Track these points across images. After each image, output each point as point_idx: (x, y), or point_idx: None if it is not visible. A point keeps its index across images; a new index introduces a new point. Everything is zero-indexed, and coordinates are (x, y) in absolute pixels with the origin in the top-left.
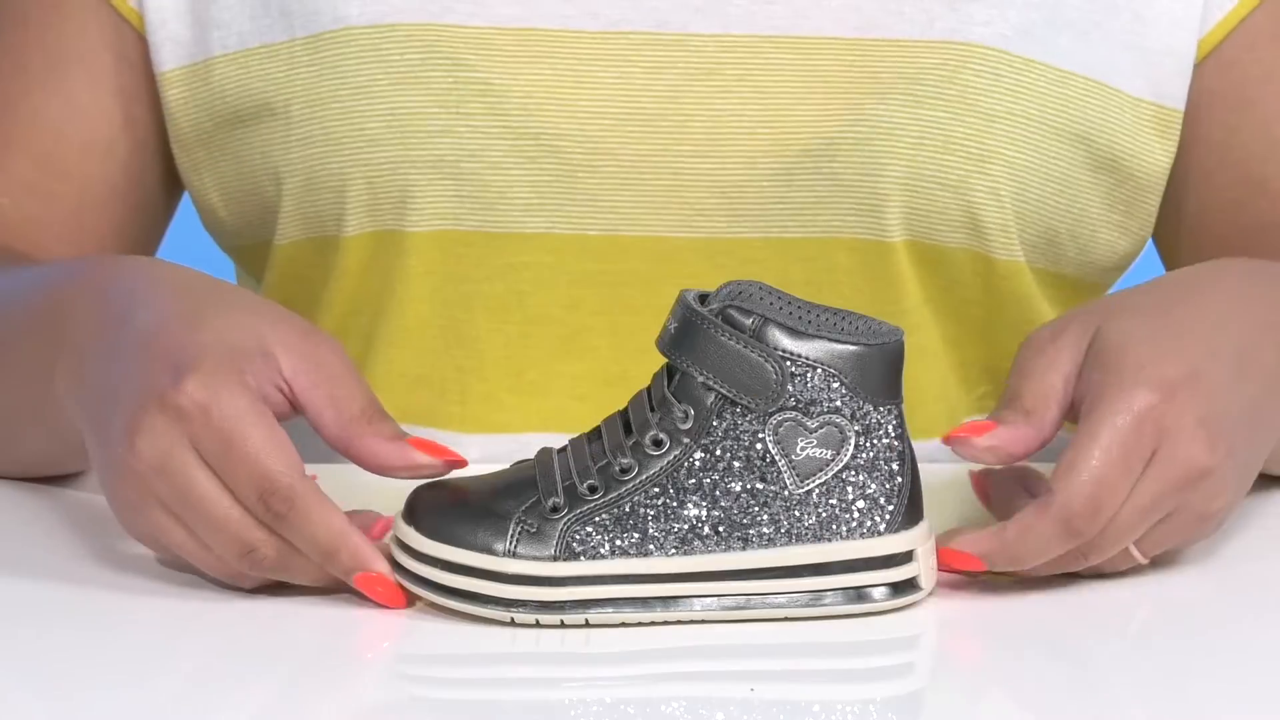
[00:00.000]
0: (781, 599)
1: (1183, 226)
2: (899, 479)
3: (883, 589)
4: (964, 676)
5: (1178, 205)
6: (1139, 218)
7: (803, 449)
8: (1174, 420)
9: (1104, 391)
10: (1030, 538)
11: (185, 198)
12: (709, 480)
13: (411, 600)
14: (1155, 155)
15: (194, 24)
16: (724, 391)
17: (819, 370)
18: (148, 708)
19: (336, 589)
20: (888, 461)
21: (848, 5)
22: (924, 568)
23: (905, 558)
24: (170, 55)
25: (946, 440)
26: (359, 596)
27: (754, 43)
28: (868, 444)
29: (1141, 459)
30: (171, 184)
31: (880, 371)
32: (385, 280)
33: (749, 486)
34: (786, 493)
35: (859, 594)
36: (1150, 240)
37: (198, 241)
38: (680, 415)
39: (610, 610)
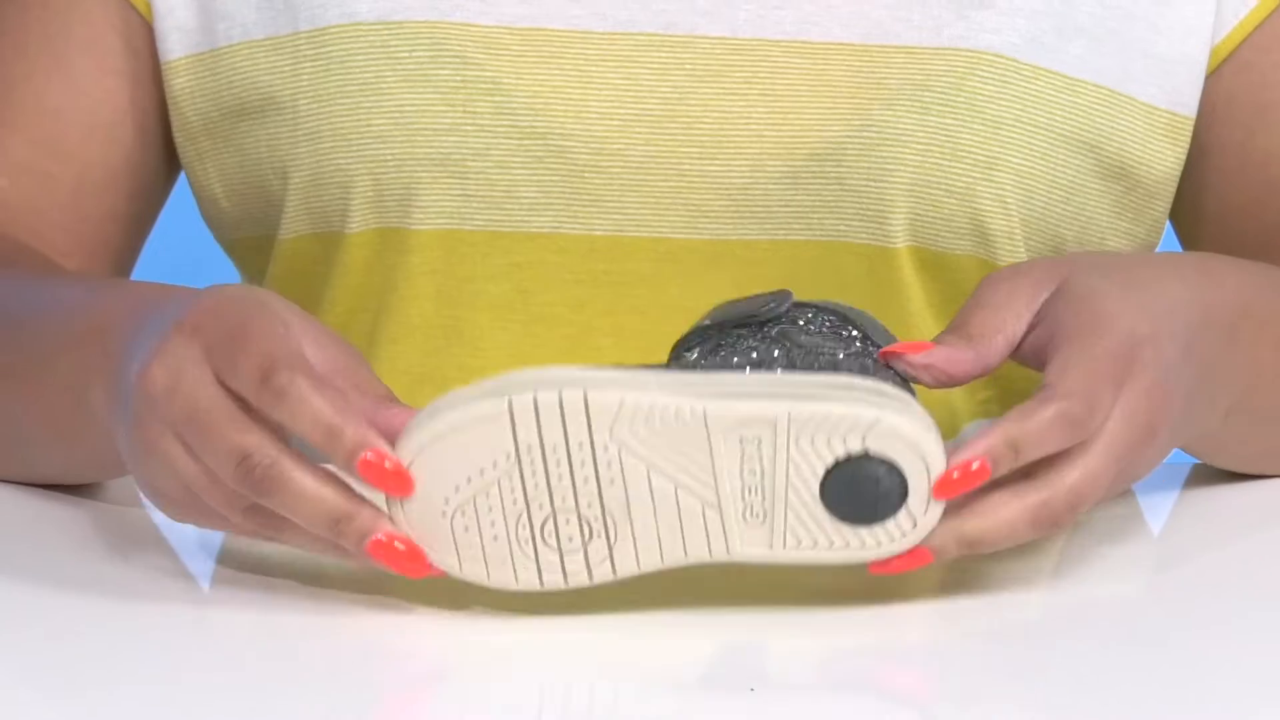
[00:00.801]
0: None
1: (1203, 231)
2: None
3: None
4: (966, 678)
5: (1197, 208)
6: (1146, 224)
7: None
8: (1140, 373)
9: (1078, 329)
10: (1031, 423)
11: (181, 193)
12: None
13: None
14: (1166, 162)
15: (201, 13)
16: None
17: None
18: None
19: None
20: None
21: (856, 12)
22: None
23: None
24: (177, 44)
25: (882, 354)
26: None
27: (761, 47)
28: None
29: (1117, 384)
30: (169, 172)
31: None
32: (389, 278)
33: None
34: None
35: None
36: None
37: (195, 237)
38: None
39: None
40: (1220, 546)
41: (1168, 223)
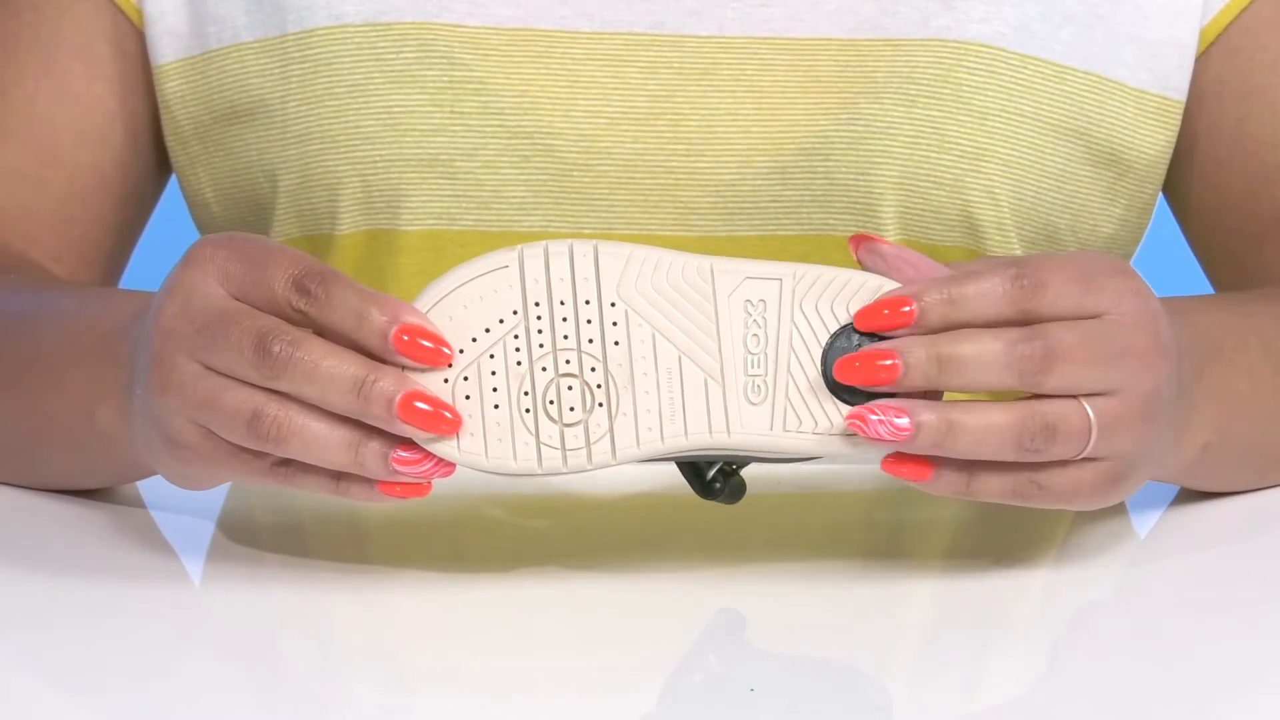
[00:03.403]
0: None
1: (1200, 220)
2: None
3: None
4: (966, 679)
5: (1194, 198)
6: (1137, 209)
7: None
8: (1135, 332)
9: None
10: (976, 279)
11: (172, 200)
12: None
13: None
14: (1157, 147)
15: (191, 17)
16: None
17: None
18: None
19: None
20: None
21: (843, 7)
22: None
23: None
24: (168, 48)
25: (852, 239)
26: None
27: (749, 44)
28: None
29: (1095, 297)
30: (159, 176)
31: None
32: (379, 279)
33: None
34: None
35: None
36: (1147, 233)
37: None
38: None
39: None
40: (1210, 548)
41: (1155, 208)
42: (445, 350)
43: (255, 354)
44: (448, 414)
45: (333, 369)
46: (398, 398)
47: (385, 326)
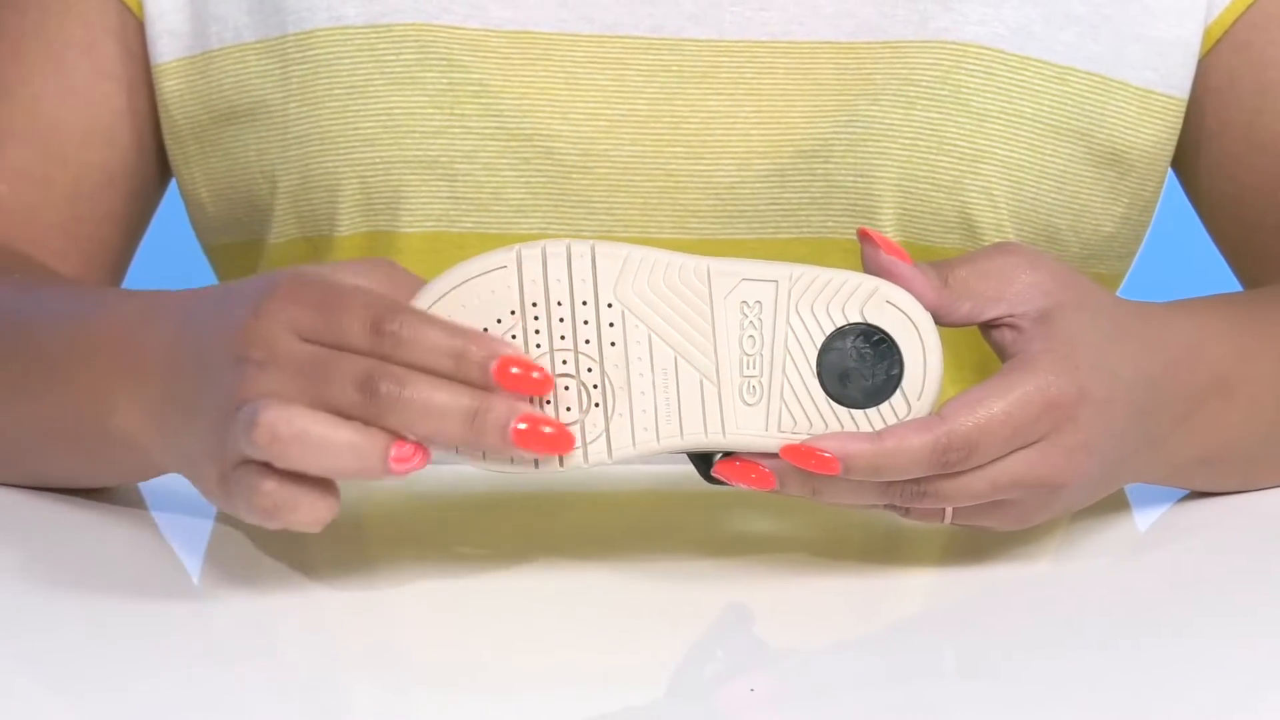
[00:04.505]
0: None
1: (1219, 214)
2: None
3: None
4: (968, 677)
5: (1210, 192)
6: (1139, 207)
7: None
8: (1069, 431)
9: (1037, 362)
10: (902, 452)
11: (171, 203)
12: None
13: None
14: (1159, 145)
15: (193, 16)
16: None
17: None
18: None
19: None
20: None
21: (842, 11)
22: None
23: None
24: (168, 47)
25: (860, 231)
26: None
27: (748, 48)
28: None
29: (1025, 440)
30: (164, 173)
31: None
32: None
33: None
34: None
35: None
36: (1150, 228)
37: (187, 247)
38: None
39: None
40: (1211, 545)
41: (1159, 202)
42: (548, 379)
43: (361, 394)
44: (550, 430)
45: (445, 403)
46: (511, 424)
47: (485, 361)
